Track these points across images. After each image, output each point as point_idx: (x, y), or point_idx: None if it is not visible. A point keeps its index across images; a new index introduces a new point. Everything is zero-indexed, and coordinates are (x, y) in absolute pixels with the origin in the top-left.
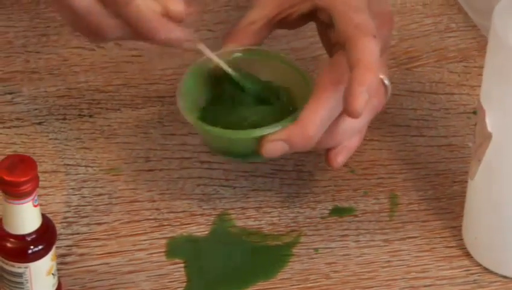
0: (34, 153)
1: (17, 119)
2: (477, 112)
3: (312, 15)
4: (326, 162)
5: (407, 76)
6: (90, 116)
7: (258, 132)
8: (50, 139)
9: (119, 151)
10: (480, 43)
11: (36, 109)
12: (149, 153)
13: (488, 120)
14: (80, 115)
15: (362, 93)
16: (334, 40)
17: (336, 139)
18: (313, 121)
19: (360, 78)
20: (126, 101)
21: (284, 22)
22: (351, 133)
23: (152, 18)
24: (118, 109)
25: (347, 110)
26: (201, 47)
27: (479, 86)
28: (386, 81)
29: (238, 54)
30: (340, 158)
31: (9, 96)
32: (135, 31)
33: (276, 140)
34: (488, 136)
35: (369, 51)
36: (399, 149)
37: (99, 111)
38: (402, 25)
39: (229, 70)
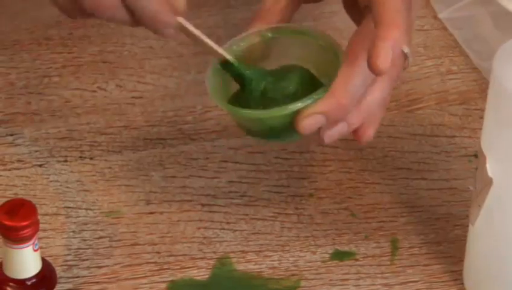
0: (34, 196)
1: (18, 161)
2: (478, 155)
3: None
4: (357, 139)
5: (409, 119)
6: (91, 158)
7: (291, 108)
8: (51, 181)
9: (119, 194)
10: (481, 86)
11: (37, 151)
12: (150, 195)
13: (488, 166)
14: (81, 157)
15: (385, 49)
16: (362, 4)
17: (365, 111)
18: (346, 89)
19: (384, 34)
20: (127, 143)
21: None
22: (378, 105)
23: (159, 9)
24: (119, 151)
25: (371, 67)
26: (197, 32)
27: (480, 129)
28: (406, 50)
29: (267, 34)
30: (369, 132)
31: (10, 138)
32: (139, 19)
33: (312, 114)
34: (488, 182)
35: (394, 7)
36: (400, 192)
37: (101, 153)
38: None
39: (234, 60)
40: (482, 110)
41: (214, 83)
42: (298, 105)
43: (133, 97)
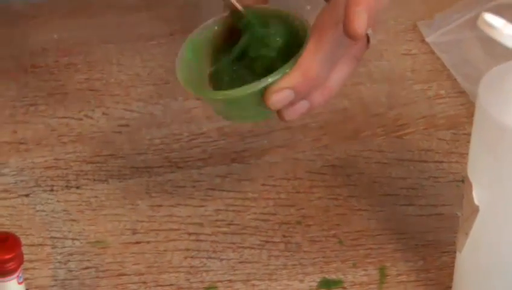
0: (20, 226)
1: (4, 191)
2: (465, 181)
3: None
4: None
5: (396, 144)
6: (78, 187)
7: (256, 85)
8: (37, 211)
9: (106, 223)
10: (469, 110)
11: (23, 181)
12: (136, 225)
13: (475, 193)
14: (67, 186)
15: (360, 13)
16: None
17: (328, 90)
18: (313, 62)
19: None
20: (113, 172)
21: None
22: (340, 84)
23: None
24: (106, 180)
25: (347, 31)
26: None
27: (468, 154)
28: (369, 31)
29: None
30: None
31: None
32: None
33: (280, 89)
34: (475, 209)
35: None
36: (388, 219)
37: (87, 182)
38: (391, 92)
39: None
40: (470, 134)
41: (184, 74)
42: (269, 80)
43: (119, 125)
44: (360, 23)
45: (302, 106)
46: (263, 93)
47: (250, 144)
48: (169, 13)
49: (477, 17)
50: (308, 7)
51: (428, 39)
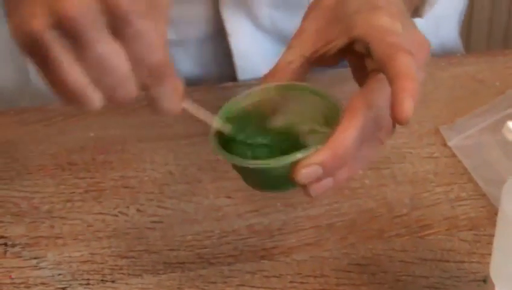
0: None
1: (42, 284)
2: (486, 280)
3: (348, 49)
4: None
5: (419, 244)
6: (113, 281)
7: (290, 158)
8: None
9: None
10: (490, 212)
11: (60, 274)
12: None
13: None
14: (102, 280)
15: (407, 99)
16: (370, 68)
17: (353, 167)
18: (342, 140)
19: (402, 86)
20: (147, 267)
21: (322, 59)
22: (365, 165)
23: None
24: (140, 275)
25: (396, 118)
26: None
27: (489, 254)
28: None
29: (272, 90)
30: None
31: (34, 261)
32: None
33: (309, 164)
34: None
35: (407, 63)
36: None
37: (121, 277)
38: (414, 193)
39: (224, 128)
40: (491, 235)
41: (217, 139)
42: (298, 156)
43: (153, 222)
44: (407, 107)
45: (326, 182)
46: (292, 167)
47: (279, 241)
48: None
49: (497, 122)
50: None
51: (450, 143)
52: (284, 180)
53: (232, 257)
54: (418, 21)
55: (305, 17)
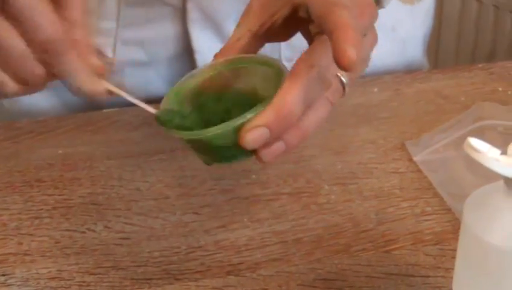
0: None
1: None
2: None
3: (294, 18)
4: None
5: (385, 259)
6: None
7: (229, 124)
8: None
9: None
10: (455, 227)
11: None
12: None
13: None
14: None
15: (347, 45)
16: (313, 32)
17: (303, 131)
18: (285, 100)
19: (341, 36)
20: (115, 283)
21: (271, 32)
22: (315, 127)
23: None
24: None
25: (340, 64)
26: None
27: (453, 269)
28: (343, 78)
29: (219, 67)
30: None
31: (2, 278)
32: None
33: (253, 127)
34: None
35: (344, 15)
36: None
37: None
38: (380, 208)
39: (151, 110)
40: (456, 250)
41: (166, 117)
42: (239, 120)
43: (120, 238)
44: (351, 52)
45: (278, 147)
46: (236, 133)
47: (246, 257)
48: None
49: (462, 137)
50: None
51: (415, 158)
52: (235, 149)
53: (199, 272)
54: (384, 43)
55: None
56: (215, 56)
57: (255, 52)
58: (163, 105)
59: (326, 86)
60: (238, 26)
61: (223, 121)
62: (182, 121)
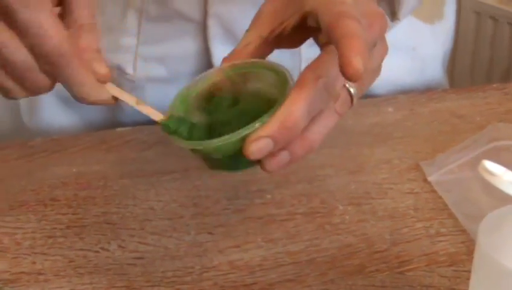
0: None
1: None
2: None
3: (304, 26)
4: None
5: (399, 280)
6: None
7: (235, 136)
8: None
9: None
10: (470, 248)
11: None
12: None
13: None
14: None
15: (354, 55)
16: (322, 41)
17: (308, 142)
18: (290, 112)
19: (348, 45)
20: None
21: (280, 39)
22: (321, 138)
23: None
24: None
25: (345, 74)
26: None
27: None
28: (352, 89)
29: (228, 71)
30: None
31: None
32: (70, 92)
33: (257, 138)
34: None
35: (352, 25)
36: None
37: None
38: (394, 229)
39: (156, 116)
40: (470, 271)
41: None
42: (245, 131)
43: (134, 258)
44: (357, 62)
45: (283, 157)
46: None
47: (259, 277)
48: (184, 149)
49: (477, 158)
50: None
51: (430, 178)
52: (240, 159)
53: None
54: (404, 63)
55: (264, 1)
56: (224, 60)
57: (264, 56)
58: (170, 110)
59: (334, 97)
60: (248, 31)
61: (229, 125)
62: (188, 127)
